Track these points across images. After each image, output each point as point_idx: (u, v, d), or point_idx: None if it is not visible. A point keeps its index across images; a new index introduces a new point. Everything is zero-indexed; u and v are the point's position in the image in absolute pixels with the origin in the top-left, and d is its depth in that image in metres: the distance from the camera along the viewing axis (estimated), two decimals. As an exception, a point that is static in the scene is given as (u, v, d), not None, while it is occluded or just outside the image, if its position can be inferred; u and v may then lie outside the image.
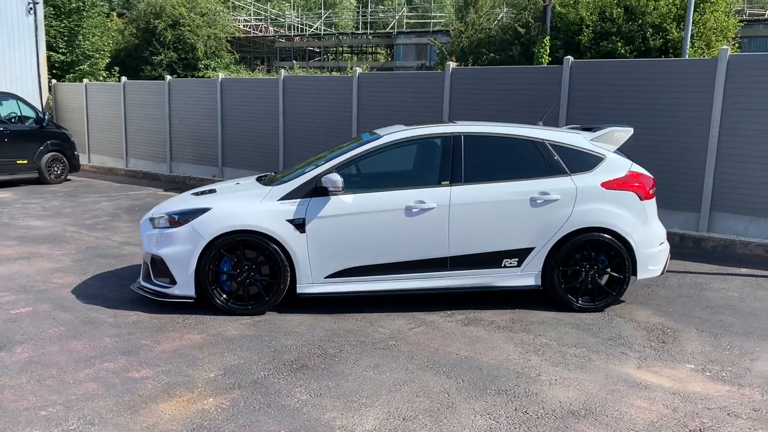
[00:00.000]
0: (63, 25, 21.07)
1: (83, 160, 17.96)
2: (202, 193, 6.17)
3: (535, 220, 5.70)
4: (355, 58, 38.08)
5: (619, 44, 17.85)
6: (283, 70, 13.71)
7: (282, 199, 5.58)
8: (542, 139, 5.89)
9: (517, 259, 5.75)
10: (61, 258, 7.58)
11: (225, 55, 31.82)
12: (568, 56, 9.76)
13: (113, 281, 6.57)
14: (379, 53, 37.12)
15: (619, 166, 5.89)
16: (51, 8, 20.59)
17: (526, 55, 20.83)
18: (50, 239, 8.60)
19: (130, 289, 6.09)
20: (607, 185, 5.78)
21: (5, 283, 6.53)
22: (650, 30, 17.79)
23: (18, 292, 6.19)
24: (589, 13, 18.72)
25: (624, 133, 6.04)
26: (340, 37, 35.63)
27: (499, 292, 6.01)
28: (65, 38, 21.19)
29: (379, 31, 35.03)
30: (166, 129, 15.61)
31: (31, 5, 17.91)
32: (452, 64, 10.88)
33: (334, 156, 5.84)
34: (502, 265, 5.75)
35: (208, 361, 4.60)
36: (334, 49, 37.56)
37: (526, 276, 5.79)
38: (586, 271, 5.78)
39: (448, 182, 5.70)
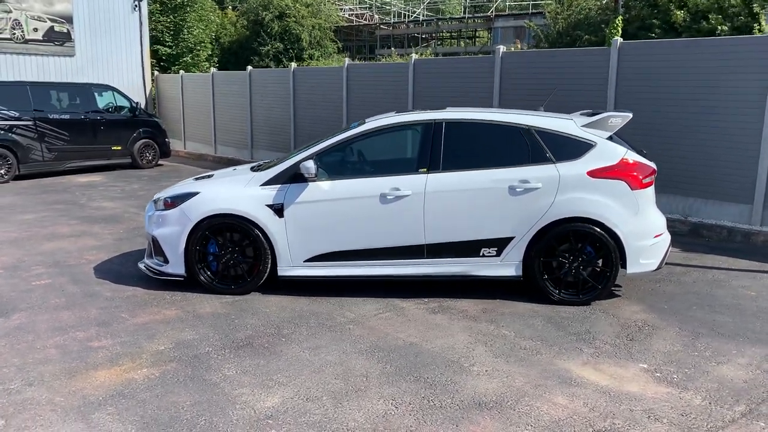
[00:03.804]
0: (169, 20, 22.53)
1: (179, 146, 19.24)
2: (202, 178, 6.52)
3: (514, 208, 5.56)
4: (461, 42, 37.71)
5: (719, 22, 16.55)
6: (347, 59, 13.95)
7: (264, 184, 5.80)
8: (528, 126, 5.71)
9: (496, 249, 5.63)
10: (105, 236, 8.27)
11: (328, 44, 32.62)
12: (616, 38, 9.25)
13: (135, 259, 7.10)
14: (479, 37, 36.54)
15: (610, 154, 5.60)
16: (158, 4, 22.08)
17: (626, 37, 19.81)
18: (108, 219, 9.37)
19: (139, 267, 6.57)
20: (594, 174, 5.52)
21: (44, 257, 7.24)
22: (756, 5, 16.34)
23: (49, 266, 6.86)
24: (686, -11, 17.52)
25: (620, 118, 5.71)
26: (439, 23, 35.40)
27: (488, 282, 5.91)
28: (171, 32, 22.65)
29: (477, 14, 34.47)
30: (247, 117, 16.36)
31: (136, 3, 19.29)
32: (502, 48, 10.63)
33: (318, 143, 5.98)
34: (481, 254, 5.66)
35: (167, 335, 4.92)
36: (436, 35, 37.39)
37: (506, 266, 5.66)
38: (569, 263, 5.57)
39: (425, 169, 5.68)
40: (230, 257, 5.84)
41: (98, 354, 4.56)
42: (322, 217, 5.69)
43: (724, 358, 4.54)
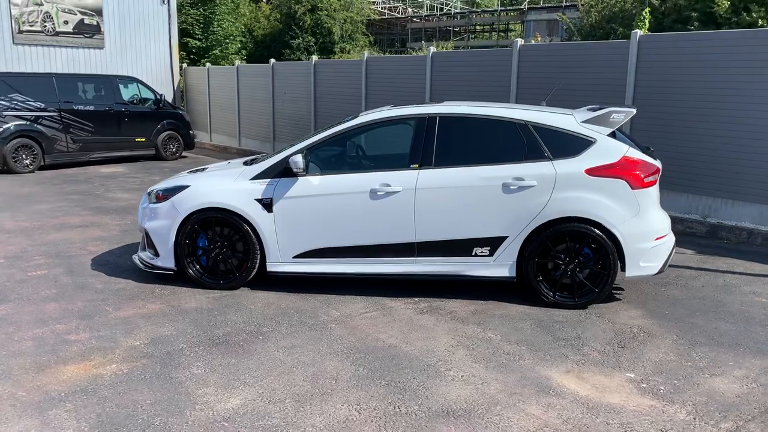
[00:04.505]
0: (199, 12, 22.67)
1: (206, 138, 19.38)
2: (195, 171, 6.46)
3: (507, 207, 5.35)
4: (494, 35, 37.20)
5: (762, 14, 15.89)
6: (366, 52, 13.80)
7: (254, 178, 5.71)
8: (525, 121, 5.48)
9: (488, 248, 5.44)
10: (112, 228, 8.30)
11: (360, 37, 32.49)
12: (636, 30, 8.90)
13: (134, 251, 7.06)
14: (512, 30, 35.94)
15: (611, 151, 5.34)
16: (188, -3, 22.26)
17: (662, 30, 19.21)
18: (119, 210, 9.42)
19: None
20: (592, 172, 5.27)
21: (48, 248, 7.28)
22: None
23: (49, 257, 6.89)
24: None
25: (623, 114, 5.44)
26: (471, 15, 34.95)
27: (484, 282, 5.72)
28: (201, 25, 22.80)
29: (510, 7, 33.91)
30: (270, 110, 16.35)
31: (166, -5, 19.44)
32: (520, 41, 10.34)
33: (310, 137, 5.86)
34: (473, 253, 5.47)
35: (145, 330, 4.86)
36: (470, 27, 36.94)
37: (499, 266, 5.46)
38: (565, 265, 5.34)
39: (417, 165, 5.50)
40: (219, 252, 5.77)
41: (72, 348, 4.52)
42: (311, 213, 5.57)
43: (719, 369, 4.28)
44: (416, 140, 5.58)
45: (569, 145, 5.39)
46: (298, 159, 5.47)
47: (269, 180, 5.66)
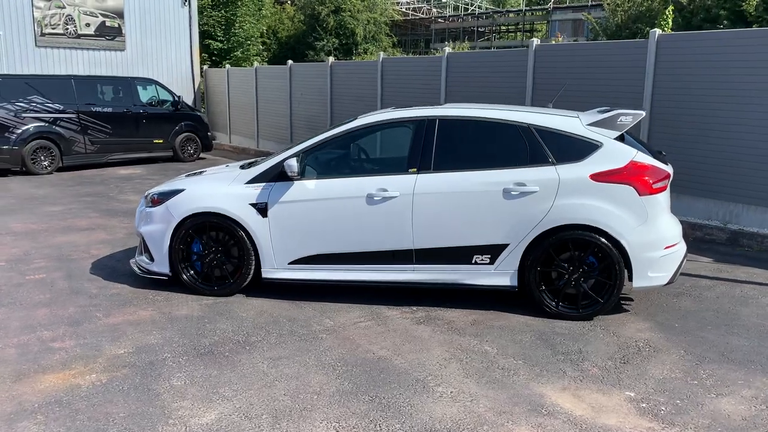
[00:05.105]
0: (220, 14, 22.73)
1: (225, 140, 19.39)
2: (193, 174, 6.35)
3: (509, 213, 5.14)
4: (518, 36, 36.77)
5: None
6: (382, 53, 13.64)
7: (249, 182, 5.57)
8: (527, 124, 5.26)
9: (489, 256, 5.23)
10: (118, 231, 8.25)
11: (383, 38, 32.37)
12: (655, 29, 8.60)
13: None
14: (538, 30, 35.44)
15: (618, 156, 5.09)
16: (210, -1, 22.33)
17: (690, 29, 18.72)
18: (128, 213, 9.38)
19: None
20: (598, 177, 5.03)
21: (51, 250, 7.24)
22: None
23: (51, 260, 6.85)
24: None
25: (631, 117, 5.19)
26: (495, 15, 34.55)
27: (487, 291, 5.48)
28: (222, 26, 22.86)
29: (535, 7, 33.45)
30: (287, 111, 16.27)
31: (187, -2, 19.51)
32: (536, 41, 10.08)
33: (307, 140, 5.71)
34: (473, 261, 5.26)
35: (132, 338, 4.75)
36: (495, 27, 36.55)
37: (500, 275, 5.24)
38: (569, 274, 5.11)
39: (415, 170, 5.32)
40: (214, 257, 5.65)
41: (55, 356, 4.42)
42: (307, 218, 5.42)
43: (726, 389, 4.02)
44: (415, 143, 5.40)
45: (574, 149, 5.15)
46: (293, 163, 5.32)
47: (264, 184, 5.52)
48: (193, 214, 5.58)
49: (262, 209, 5.47)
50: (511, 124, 5.28)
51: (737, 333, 4.92)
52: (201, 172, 6.35)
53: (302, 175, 5.44)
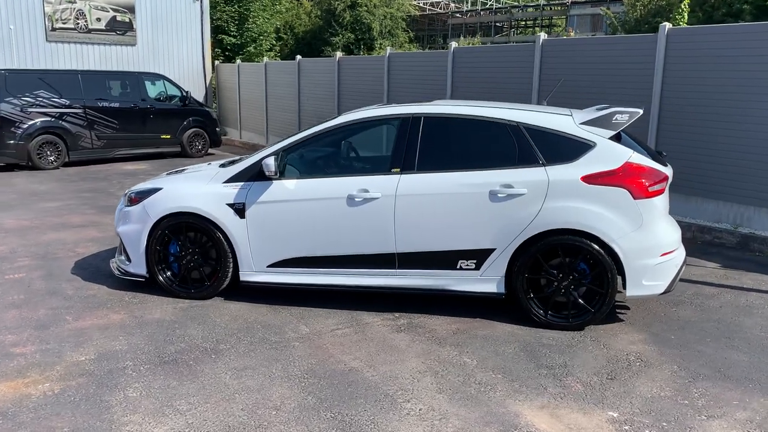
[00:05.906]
0: (233, 9, 22.59)
1: (236, 136, 19.26)
2: (174, 172, 6.16)
3: (495, 216, 4.86)
4: (536, 30, 36.17)
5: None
6: (389, 48, 13.37)
7: (227, 182, 5.36)
8: (516, 122, 4.98)
9: (474, 261, 4.96)
10: (110, 228, 8.08)
11: (400, 34, 32.01)
12: (665, 23, 8.23)
13: (121, 254, 6.85)
14: (556, 25, 34.84)
15: (613, 156, 4.79)
16: (222, -7, 22.19)
17: (711, 23, 18.18)
18: (123, 210, 9.23)
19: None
20: (589, 179, 4.73)
21: (38, 248, 7.11)
22: None
23: (35, 258, 6.71)
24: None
25: (627, 115, 4.88)
26: (512, 10, 34.02)
27: (476, 298, 5.18)
28: (236, 21, 22.72)
29: (553, 2, 32.86)
30: (296, 107, 16.07)
31: (198, -7, 19.38)
32: (543, 36, 9.75)
33: (287, 138, 5.47)
34: (458, 266, 5.00)
35: (97, 343, 4.56)
36: (513, 22, 36.03)
37: (486, 281, 4.97)
38: (558, 281, 4.82)
39: (398, 170, 5.06)
40: (191, 259, 5.45)
41: (12, 363, 4.24)
42: (285, 220, 5.19)
43: (719, 410, 3.72)
44: (398, 142, 5.14)
45: (565, 149, 4.86)
46: (270, 162, 5.10)
47: (242, 184, 5.30)
48: (170, 214, 5.39)
49: (239, 210, 5.25)
50: (500, 123, 5.00)
51: (737, 347, 4.60)
52: (182, 170, 6.15)
53: (282, 174, 5.22)
